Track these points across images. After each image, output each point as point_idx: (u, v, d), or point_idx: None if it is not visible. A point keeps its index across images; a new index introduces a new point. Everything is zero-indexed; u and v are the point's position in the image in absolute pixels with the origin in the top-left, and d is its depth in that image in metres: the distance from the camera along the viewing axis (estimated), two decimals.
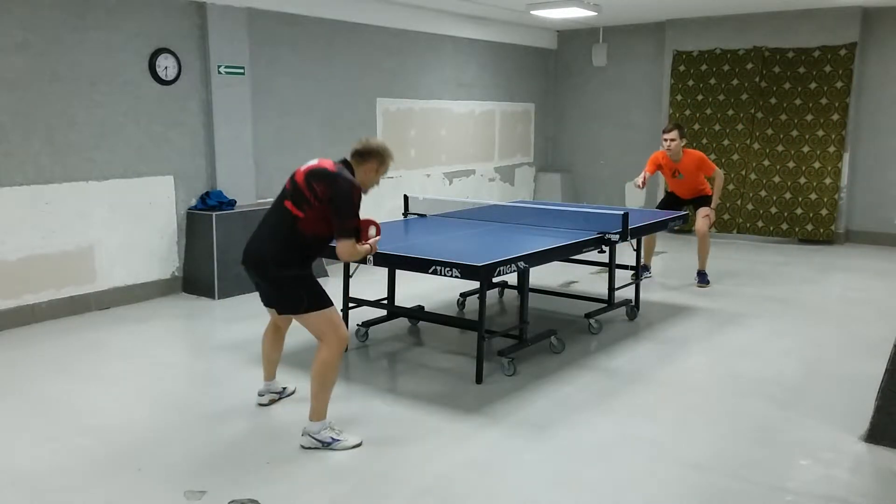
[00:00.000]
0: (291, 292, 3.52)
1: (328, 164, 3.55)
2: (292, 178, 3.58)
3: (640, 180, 6.56)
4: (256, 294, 6.39)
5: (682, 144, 6.63)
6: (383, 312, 5.36)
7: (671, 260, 8.00)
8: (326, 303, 3.53)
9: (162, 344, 5.31)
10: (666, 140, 6.59)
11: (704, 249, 6.78)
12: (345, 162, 3.61)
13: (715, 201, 6.80)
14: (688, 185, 6.81)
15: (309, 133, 7.54)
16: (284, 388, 4.16)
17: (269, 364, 4.05)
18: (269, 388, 4.09)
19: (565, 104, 10.99)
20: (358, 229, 3.50)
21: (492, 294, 6.38)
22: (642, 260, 6.56)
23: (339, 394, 4.30)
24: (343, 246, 3.45)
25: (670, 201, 7.03)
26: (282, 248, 3.49)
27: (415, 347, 5.18)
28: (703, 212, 6.77)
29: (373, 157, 3.59)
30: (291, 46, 7.26)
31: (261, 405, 4.05)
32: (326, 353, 3.52)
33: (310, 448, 3.52)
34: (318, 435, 3.52)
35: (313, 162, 3.59)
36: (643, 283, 6.24)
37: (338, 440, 3.54)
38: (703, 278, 6.77)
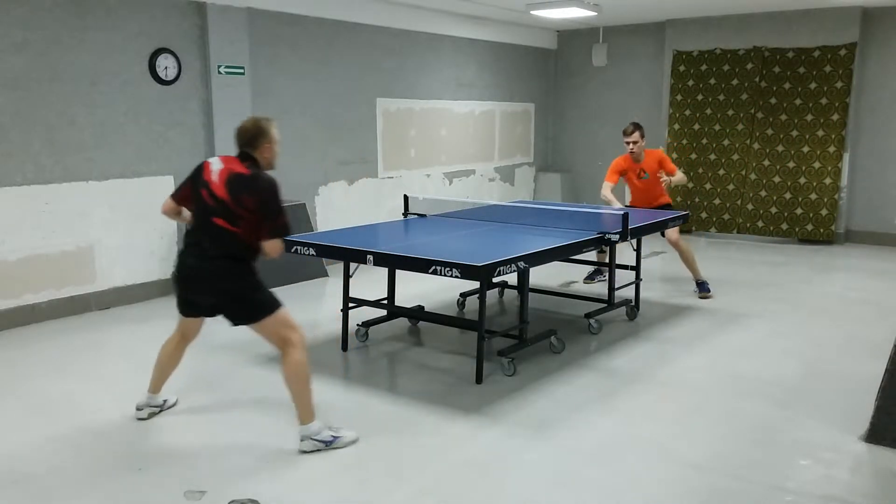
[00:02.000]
0: (247, 302, 3.46)
1: (237, 166, 3.48)
2: (207, 188, 3.45)
3: (615, 204, 6.54)
4: None
5: (643, 144, 6.57)
6: (383, 312, 5.36)
7: (671, 260, 8.00)
8: (279, 303, 3.52)
9: (161, 344, 5.30)
10: (629, 143, 6.50)
11: (688, 258, 6.47)
12: (243, 156, 3.53)
13: (673, 181, 6.51)
14: (650, 186, 6.61)
15: (309, 133, 7.54)
16: (165, 401, 4.01)
17: (162, 375, 3.91)
18: (150, 402, 3.93)
19: (565, 104, 10.99)
20: (288, 224, 3.46)
21: (492, 294, 6.38)
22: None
23: (340, 394, 4.31)
24: (273, 244, 3.43)
25: None
26: (233, 263, 3.44)
27: (415, 347, 5.18)
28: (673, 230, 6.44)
29: (262, 137, 3.52)
30: (291, 46, 7.26)
31: (140, 419, 3.88)
32: (295, 354, 3.48)
33: (312, 451, 3.50)
34: (319, 436, 3.51)
35: (218, 165, 3.50)
36: (643, 284, 6.23)
37: (338, 437, 3.53)
38: (703, 287, 6.45)
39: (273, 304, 3.49)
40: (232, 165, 3.49)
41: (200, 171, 3.55)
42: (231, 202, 3.38)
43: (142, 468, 3.35)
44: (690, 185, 9.60)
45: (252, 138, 3.53)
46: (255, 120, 3.57)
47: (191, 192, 3.56)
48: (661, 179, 6.48)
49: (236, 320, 3.52)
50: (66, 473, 3.32)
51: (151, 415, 3.93)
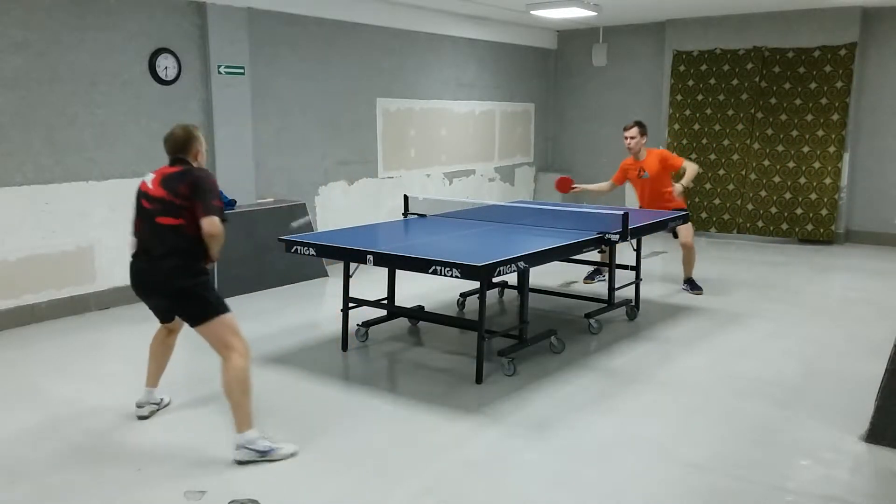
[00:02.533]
0: (198, 300, 3.50)
1: (170, 169, 3.56)
2: (146, 197, 3.53)
3: (578, 188, 6.60)
4: (256, 294, 6.39)
5: (643, 143, 6.51)
6: (383, 312, 5.36)
7: (671, 260, 8.00)
8: (227, 308, 3.54)
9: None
10: (626, 137, 6.47)
11: (689, 261, 6.53)
12: (177, 161, 3.59)
13: (688, 181, 6.41)
14: (652, 186, 6.51)
15: (309, 133, 7.54)
16: (161, 399, 4.02)
17: (158, 369, 3.94)
18: (150, 399, 3.94)
19: (565, 104, 10.98)
20: (222, 209, 3.50)
21: (492, 294, 6.38)
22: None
23: (340, 394, 4.31)
24: (211, 221, 3.42)
25: None
26: (181, 260, 3.48)
27: (415, 347, 5.18)
28: (682, 228, 6.46)
29: (193, 141, 3.61)
30: (291, 46, 7.26)
31: (141, 418, 3.88)
32: (238, 360, 3.47)
33: (246, 462, 3.38)
34: (256, 445, 3.40)
35: (151, 176, 3.58)
36: (642, 284, 6.23)
37: (274, 448, 3.44)
38: (693, 285, 6.54)
39: (222, 307, 3.52)
40: (165, 170, 3.58)
41: (137, 195, 3.61)
42: (168, 195, 3.46)
43: (142, 468, 3.35)
44: (691, 184, 9.56)
45: (185, 144, 3.61)
46: (183, 127, 3.66)
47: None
48: (675, 193, 6.39)
49: (189, 320, 3.56)
50: (66, 473, 3.32)
51: (152, 412, 3.94)
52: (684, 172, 6.49)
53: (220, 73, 6.60)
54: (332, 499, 3.11)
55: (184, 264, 3.49)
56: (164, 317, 3.82)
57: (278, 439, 3.50)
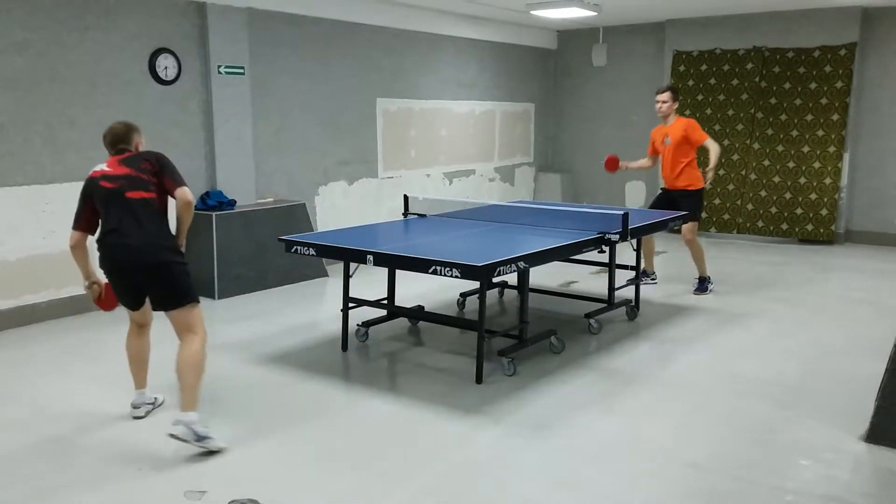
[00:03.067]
0: (183, 282, 3.60)
1: (120, 156, 3.65)
2: (105, 178, 3.56)
3: (624, 164, 6.64)
4: (256, 294, 6.39)
5: (675, 108, 6.43)
6: (383, 312, 5.36)
7: (671, 260, 8.00)
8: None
9: (162, 344, 5.30)
10: (658, 102, 6.42)
11: (697, 255, 6.52)
12: (122, 151, 3.69)
13: (713, 167, 6.35)
14: (672, 154, 6.39)
15: (309, 133, 7.54)
16: (156, 398, 4.00)
17: (140, 369, 3.91)
18: (144, 399, 3.93)
19: (565, 104, 10.98)
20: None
21: (492, 294, 6.38)
22: (642, 265, 6.47)
23: (340, 394, 4.31)
24: (184, 191, 3.60)
25: (662, 200, 6.68)
26: (165, 233, 3.60)
27: (415, 347, 5.18)
28: (686, 225, 6.42)
29: (134, 133, 3.74)
30: (291, 46, 7.26)
31: (137, 418, 3.87)
32: (200, 344, 3.57)
33: (182, 440, 3.38)
34: (195, 427, 3.40)
35: (103, 165, 3.63)
36: (643, 283, 6.24)
37: (209, 438, 3.43)
38: (701, 285, 6.53)
39: (197, 295, 3.67)
40: (117, 157, 3.66)
41: (91, 181, 3.62)
42: (133, 171, 3.56)
43: (142, 468, 3.35)
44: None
45: (126, 135, 3.71)
46: (123, 122, 3.78)
47: (91, 206, 3.62)
48: (707, 177, 6.30)
49: (167, 301, 3.58)
50: (66, 473, 3.32)
51: (148, 412, 3.93)
52: (707, 152, 6.45)
53: (220, 73, 6.60)
54: (332, 499, 3.11)
55: (165, 234, 3.58)
56: (137, 301, 3.73)
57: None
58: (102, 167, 3.62)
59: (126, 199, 3.52)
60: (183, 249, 3.70)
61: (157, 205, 3.58)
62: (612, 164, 6.67)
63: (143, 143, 3.78)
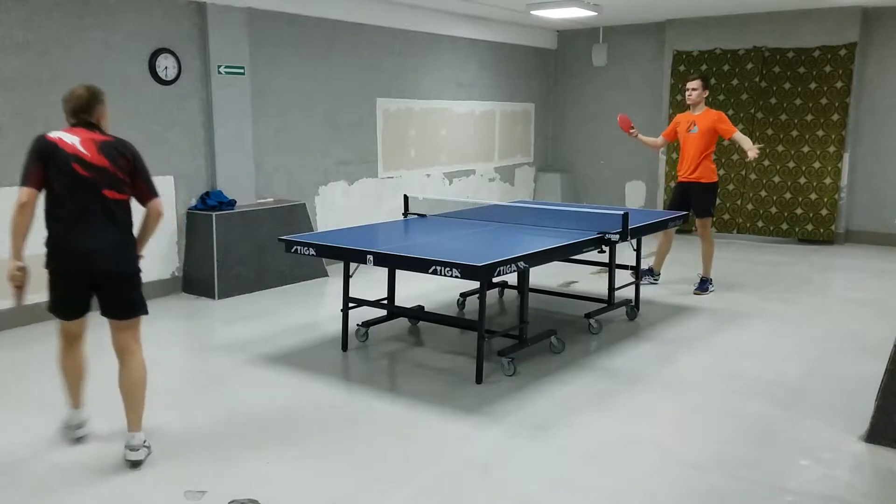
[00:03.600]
0: (138, 288, 3.43)
1: (96, 135, 3.31)
2: (81, 162, 3.21)
3: (635, 131, 6.66)
4: (256, 294, 6.37)
5: (705, 96, 6.39)
6: (383, 312, 5.36)
7: (672, 260, 7.99)
8: None
9: (162, 344, 5.31)
10: (687, 89, 6.38)
11: (706, 253, 6.53)
12: (87, 124, 3.34)
13: (746, 145, 6.22)
14: (696, 144, 6.33)
15: (309, 133, 7.54)
16: (85, 420, 3.67)
17: (76, 386, 3.59)
18: (79, 419, 3.63)
19: (565, 104, 10.98)
20: None
21: (492, 294, 6.37)
22: (650, 263, 6.48)
23: (340, 394, 4.31)
24: (159, 203, 3.39)
25: (679, 195, 6.59)
26: (133, 240, 3.37)
27: (415, 347, 5.18)
28: (700, 220, 6.50)
29: (98, 103, 3.37)
30: (291, 46, 7.26)
31: (73, 439, 3.59)
32: (143, 358, 3.47)
33: (142, 461, 3.34)
34: (147, 442, 3.38)
35: (74, 137, 3.26)
36: (643, 283, 6.24)
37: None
38: (702, 284, 6.54)
39: (147, 307, 3.50)
40: (91, 135, 3.30)
41: (54, 148, 3.23)
42: (112, 167, 3.26)
43: (142, 468, 3.35)
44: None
45: (90, 105, 3.34)
46: (87, 87, 3.38)
47: (45, 171, 3.24)
48: (749, 158, 6.18)
49: (122, 309, 3.40)
50: (65, 473, 3.32)
51: (82, 435, 3.63)
52: (737, 144, 6.46)
53: (220, 73, 6.60)
54: (332, 499, 3.11)
55: (133, 241, 3.38)
56: (80, 310, 3.42)
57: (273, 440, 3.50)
58: (73, 141, 3.23)
59: (102, 197, 3.25)
60: (143, 257, 3.49)
61: (127, 207, 3.34)
62: (624, 124, 6.71)
63: (107, 114, 3.43)
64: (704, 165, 6.42)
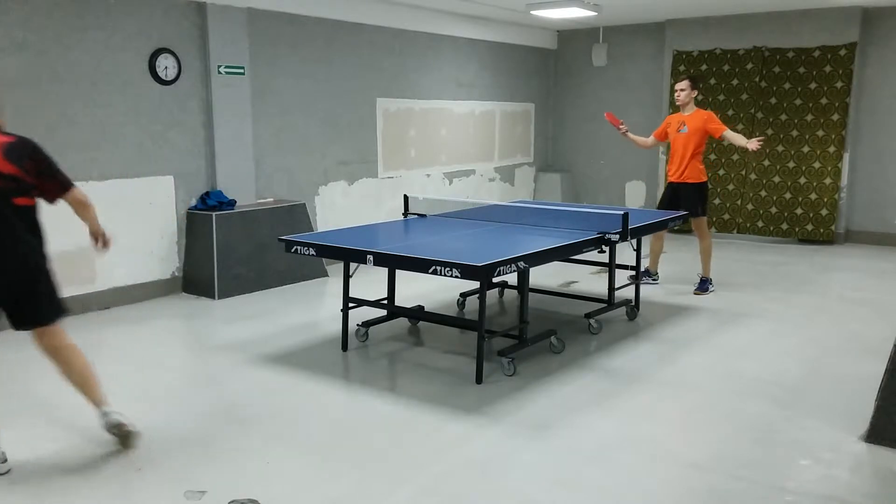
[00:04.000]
0: (53, 288, 3.36)
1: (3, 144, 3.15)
2: None
3: (625, 127, 6.70)
4: (256, 294, 6.38)
5: (693, 96, 6.40)
6: (383, 312, 5.36)
7: (672, 260, 8.00)
8: None
9: (162, 344, 5.32)
10: (676, 90, 6.43)
11: (704, 250, 6.55)
12: None
13: (741, 141, 6.28)
14: (685, 144, 6.37)
15: (309, 133, 7.54)
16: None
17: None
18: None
19: (565, 104, 10.98)
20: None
21: (492, 294, 6.37)
22: (644, 264, 6.48)
23: (340, 394, 4.31)
24: (77, 191, 3.32)
25: (669, 196, 6.64)
26: (38, 242, 3.30)
27: (415, 347, 5.18)
28: (694, 220, 6.50)
29: None
30: (291, 46, 7.26)
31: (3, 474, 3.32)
32: (75, 348, 3.44)
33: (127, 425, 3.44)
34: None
35: None
36: (642, 283, 6.23)
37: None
38: (702, 284, 6.56)
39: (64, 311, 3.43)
40: None
41: None
42: (20, 172, 3.15)
43: (142, 468, 3.35)
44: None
45: None
46: None
47: None
48: (752, 149, 6.16)
49: (45, 317, 3.33)
50: (66, 473, 3.32)
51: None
52: (727, 142, 6.51)
53: (220, 73, 6.60)
54: (333, 499, 3.11)
55: (41, 247, 3.31)
56: (17, 319, 3.36)
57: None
58: None
59: (13, 206, 3.15)
60: (108, 238, 3.44)
61: (36, 210, 3.24)
62: (613, 120, 6.77)
63: (5, 120, 3.32)
64: (693, 166, 6.44)
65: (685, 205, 6.41)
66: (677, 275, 7.09)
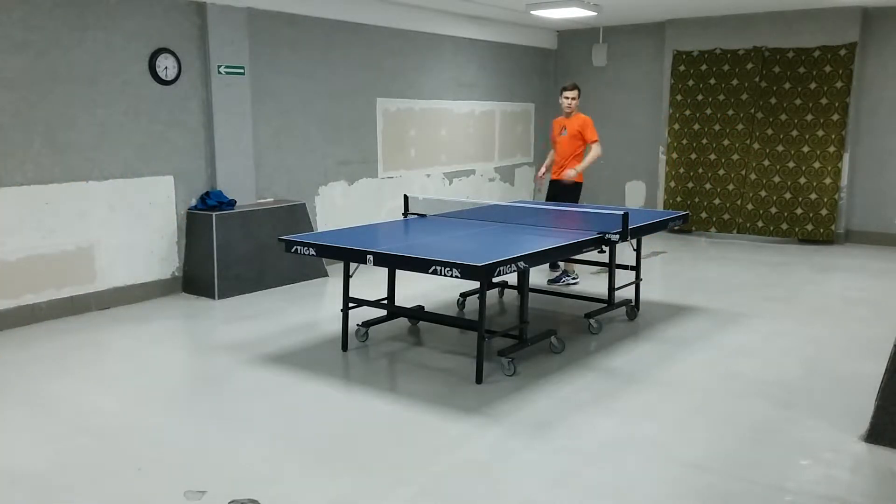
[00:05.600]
0: None
1: None
2: None
3: (541, 171, 6.98)
4: (256, 294, 6.39)
5: (577, 105, 6.82)
6: (383, 312, 5.36)
7: (672, 260, 8.00)
8: None
9: (162, 344, 5.31)
10: (567, 98, 6.76)
11: None
12: None
13: (581, 167, 6.71)
14: (566, 146, 6.79)
15: (309, 133, 7.54)
16: None
17: None
18: None
19: None
20: None
21: (492, 294, 6.38)
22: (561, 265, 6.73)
23: (340, 394, 4.31)
24: None
25: (553, 190, 7.00)
26: None
27: (415, 347, 5.18)
28: None
29: None
30: (291, 46, 7.26)
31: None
32: None
33: None
34: None
35: None
36: (643, 284, 6.22)
37: None
38: (562, 276, 6.84)
39: None
40: None
41: None
42: None
43: (142, 468, 3.35)
44: (690, 184, 9.61)
45: None
46: None
47: None
48: (568, 175, 6.64)
49: None
50: (66, 473, 3.32)
51: None
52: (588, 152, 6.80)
53: (220, 73, 6.60)
54: (332, 499, 3.11)
55: None
56: None
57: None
58: None
59: None
60: None
61: None
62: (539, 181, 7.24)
63: None
64: (570, 166, 6.79)
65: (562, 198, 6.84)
66: (677, 275, 7.09)
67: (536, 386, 4.34)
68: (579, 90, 6.88)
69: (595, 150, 6.71)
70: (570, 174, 6.66)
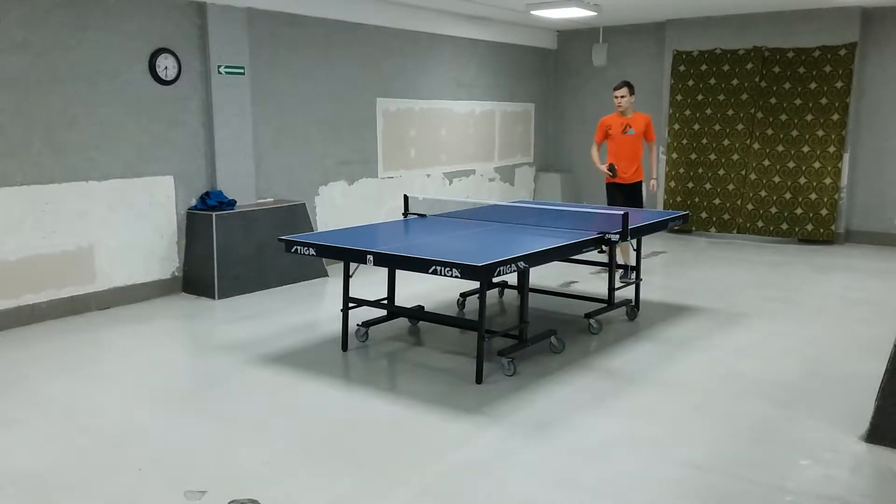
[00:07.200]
0: None
1: None
2: None
3: (604, 167, 6.94)
4: (256, 294, 6.40)
5: (632, 101, 6.84)
6: (383, 312, 5.36)
7: (671, 260, 8.00)
8: None
9: (162, 344, 5.32)
10: (617, 97, 6.80)
11: (626, 249, 6.78)
12: None
13: (654, 171, 6.88)
14: (632, 146, 6.84)
15: (309, 133, 7.54)
16: None
17: None
18: None
19: (565, 104, 10.98)
20: None
21: (492, 294, 6.38)
22: (620, 259, 6.66)
23: (340, 394, 4.31)
24: None
25: (613, 193, 6.99)
26: None
27: (415, 347, 5.18)
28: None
29: None
30: (291, 46, 7.26)
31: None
32: None
33: None
34: None
35: None
36: (642, 283, 6.23)
37: None
38: (627, 272, 6.78)
39: None
40: None
41: None
42: None
43: (142, 468, 3.35)
44: (690, 184, 9.61)
45: None
46: None
47: None
48: (652, 187, 6.83)
49: None
50: (66, 473, 3.32)
51: None
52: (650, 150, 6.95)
53: (220, 73, 6.60)
54: (332, 499, 3.11)
55: None
56: None
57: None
58: None
59: None
60: None
61: None
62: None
63: None
64: (638, 164, 6.87)
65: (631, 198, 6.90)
66: (677, 275, 7.09)
67: (536, 386, 4.34)
68: (630, 87, 6.82)
69: (655, 151, 6.82)
70: (654, 184, 6.85)
